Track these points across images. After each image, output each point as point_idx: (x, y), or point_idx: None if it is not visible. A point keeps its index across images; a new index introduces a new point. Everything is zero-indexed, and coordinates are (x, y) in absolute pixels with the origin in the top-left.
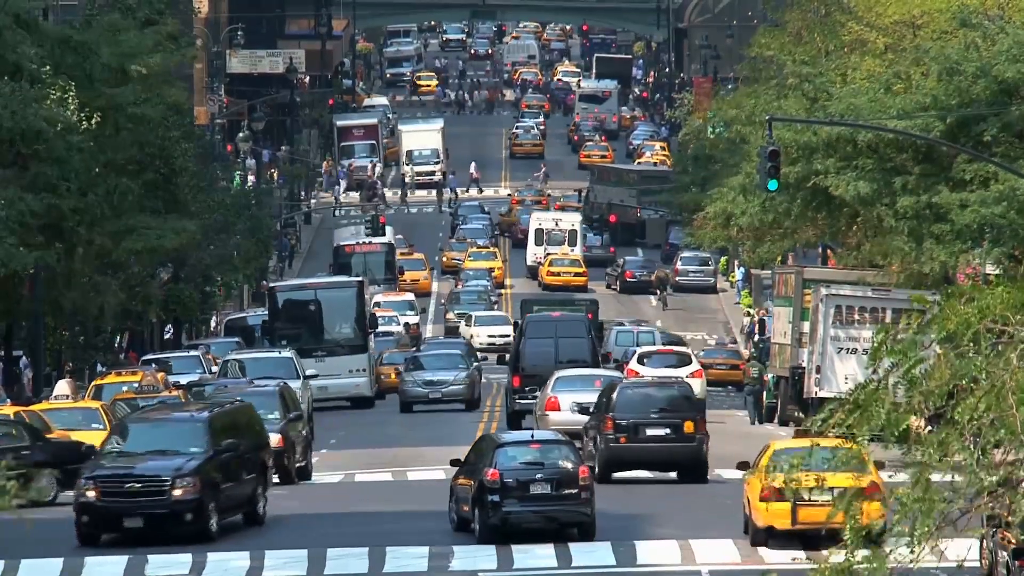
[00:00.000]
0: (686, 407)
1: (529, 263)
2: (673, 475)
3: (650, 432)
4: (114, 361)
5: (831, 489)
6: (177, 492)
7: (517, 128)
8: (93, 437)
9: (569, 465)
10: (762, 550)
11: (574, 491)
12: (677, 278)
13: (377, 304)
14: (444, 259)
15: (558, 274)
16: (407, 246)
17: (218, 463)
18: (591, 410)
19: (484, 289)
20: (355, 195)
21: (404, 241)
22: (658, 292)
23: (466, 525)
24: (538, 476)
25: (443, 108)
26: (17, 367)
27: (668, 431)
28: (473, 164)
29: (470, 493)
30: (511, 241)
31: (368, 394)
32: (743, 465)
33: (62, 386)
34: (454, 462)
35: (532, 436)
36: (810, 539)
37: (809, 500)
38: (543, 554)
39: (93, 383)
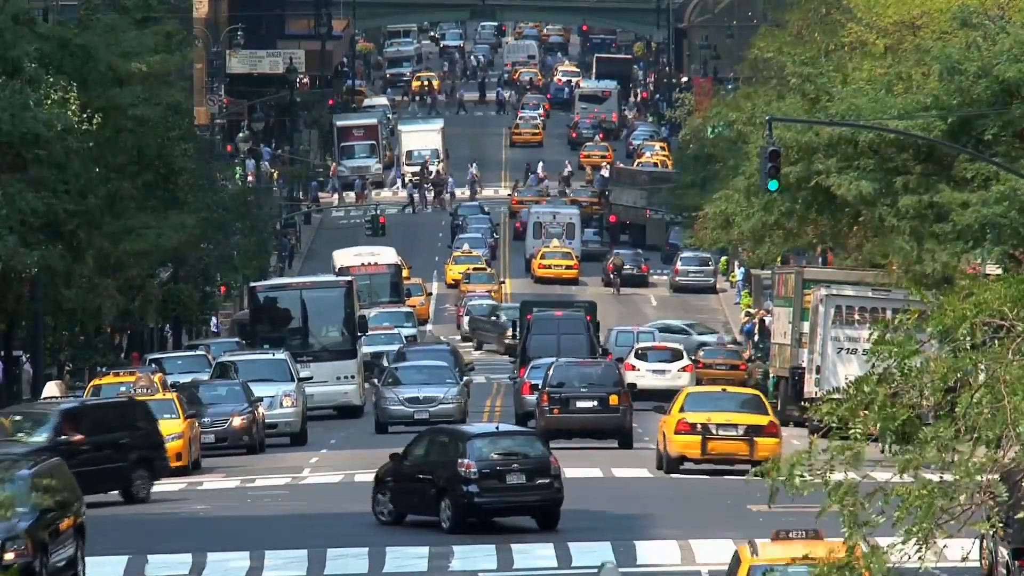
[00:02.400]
0: (612, 383)
1: (528, 256)
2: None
3: (580, 404)
4: (114, 361)
5: (735, 426)
6: (9, 556)
7: (518, 119)
8: None
9: (541, 455)
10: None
11: (547, 480)
12: (677, 278)
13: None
14: (448, 274)
15: (549, 267)
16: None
17: (46, 523)
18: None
19: (493, 306)
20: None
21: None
22: (612, 278)
23: (401, 519)
24: (514, 466)
25: (488, 108)
26: (17, 367)
27: (595, 403)
28: (474, 165)
29: (429, 485)
30: (512, 235)
31: (358, 403)
32: (659, 408)
33: (51, 387)
34: (394, 456)
35: (498, 428)
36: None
37: (717, 435)
38: (543, 554)
39: (91, 383)
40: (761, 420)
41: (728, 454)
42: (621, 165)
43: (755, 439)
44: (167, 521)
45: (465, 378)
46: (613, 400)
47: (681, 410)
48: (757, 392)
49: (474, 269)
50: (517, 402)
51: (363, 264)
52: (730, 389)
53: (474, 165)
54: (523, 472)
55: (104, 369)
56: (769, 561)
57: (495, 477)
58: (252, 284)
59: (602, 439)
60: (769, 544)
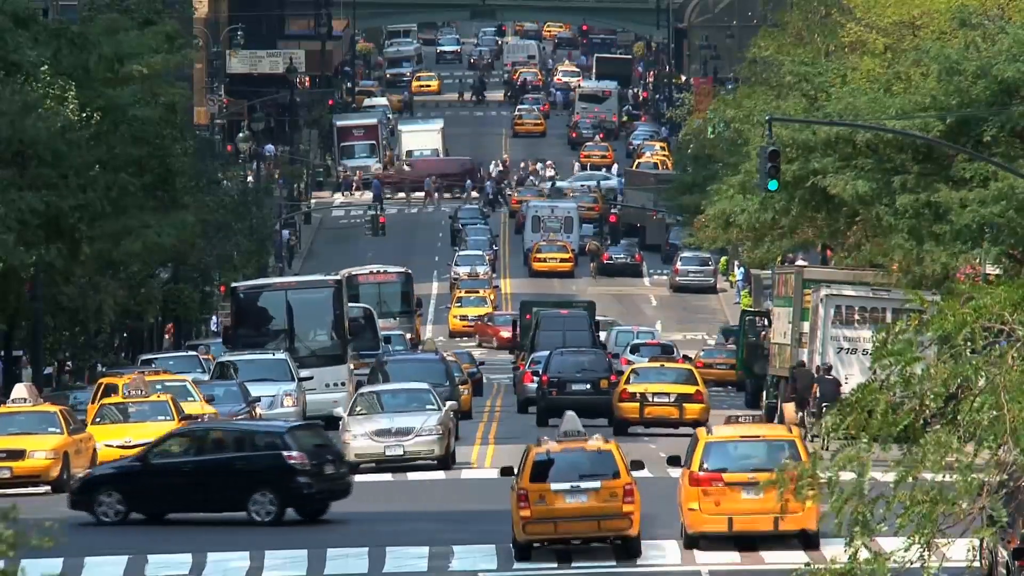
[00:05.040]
0: (602, 368)
1: (526, 250)
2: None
3: (574, 387)
4: (114, 362)
5: (668, 394)
6: None
7: (519, 110)
8: (48, 441)
9: (336, 446)
10: (761, 549)
11: (344, 469)
12: (677, 278)
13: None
14: (455, 294)
15: (544, 260)
16: None
17: None
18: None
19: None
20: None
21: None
22: (592, 265)
23: (126, 518)
24: (328, 457)
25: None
26: (17, 367)
27: (588, 386)
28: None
29: (224, 480)
30: (513, 229)
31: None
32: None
33: (19, 389)
34: (142, 453)
35: (287, 422)
36: (657, 426)
37: (652, 402)
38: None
39: (99, 382)
40: (689, 390)
41: (661, 417)
42: (632, 168)
43: (684, 405)
44: (167, 521)
45: (449, 403)
46: (603, 384)
47: (626, 382)
48: (691, 367)
49: (466, 292)
50: (520, 390)
51: (372, 272)
52: (668, 365)
53: (539, 164)
54: (334, 463)
55: (105, 369)
56: (722, 438)
57: (318, 468)
58: (234, 284)
59: (593, 417)
60: (722, 426)
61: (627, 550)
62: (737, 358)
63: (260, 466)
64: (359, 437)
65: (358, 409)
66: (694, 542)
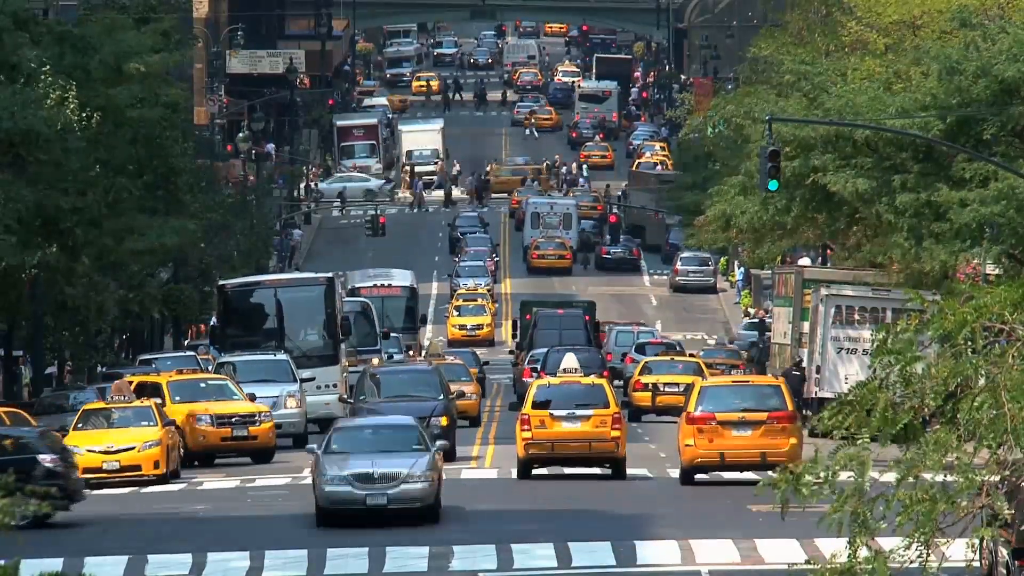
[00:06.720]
0: (596, 365)
1: (525, 246)
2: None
3: None
4: (114, 362)
5: (677, 384)
6: None
7: (520, 107)
8: None
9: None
10: (761, 549)
11: (79, 472)
12: (677, 278)
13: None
14: (454, 302)
15: (543, 256)
16: None
17: None
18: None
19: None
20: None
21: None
22: (583, 256)
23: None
24: (71, 461)
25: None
26: (17, 367)
27: None
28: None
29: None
30: (514, 227)
31: (341, 415)
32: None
33: None
34: None
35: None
36: (668, 414)
37: (664, 391)
38: (543, 554)
39: (114, 383)
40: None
41: (671, 405)
42: (636, 170)
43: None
44: (167, 521)
45: (440, 442)
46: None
47: (640, 374)
48: (699, 360)
49: (464, 301)
50: (519, 386)
51: (376, 286)
52: (677, 359)
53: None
54: (74, 466)
55: (105, 369)
56: (715, 384)
57: (67, 471)
58: (221, 282)
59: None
60: (717, 377)
61: (615, 472)
62: (756, 359)
63: (14, 470)
64: (335, 481)
65: (334, 447)
66: (690, 475)
